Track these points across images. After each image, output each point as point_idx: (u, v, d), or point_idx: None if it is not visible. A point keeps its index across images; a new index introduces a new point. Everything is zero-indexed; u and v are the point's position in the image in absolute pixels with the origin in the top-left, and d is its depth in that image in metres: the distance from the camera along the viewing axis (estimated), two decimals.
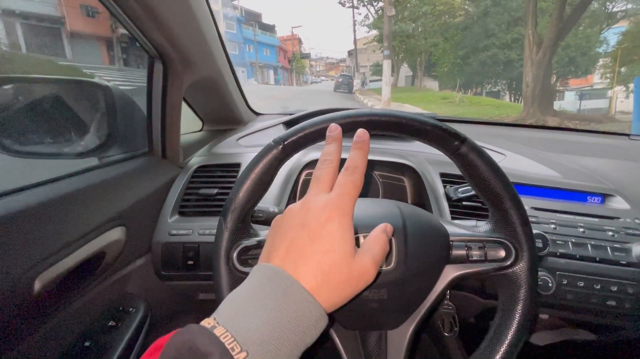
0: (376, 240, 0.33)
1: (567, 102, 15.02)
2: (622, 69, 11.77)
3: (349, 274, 0.28)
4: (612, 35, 12.71)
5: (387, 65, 11.07)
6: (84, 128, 0.73)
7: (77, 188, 0.53)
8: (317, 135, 0.41)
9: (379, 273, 0.40)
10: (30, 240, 0.42)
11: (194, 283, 0.71)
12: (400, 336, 0.45)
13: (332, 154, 0.35)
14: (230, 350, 0.21)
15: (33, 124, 0.67)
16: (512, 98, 16.55)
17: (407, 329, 0.45)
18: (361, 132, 0.35)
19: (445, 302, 0.63)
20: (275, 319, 0.24)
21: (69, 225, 0.48)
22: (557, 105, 12.02)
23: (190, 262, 0.67)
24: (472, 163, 0.40)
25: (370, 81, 22.58)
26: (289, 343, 0.24)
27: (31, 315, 0.43)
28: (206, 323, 0.24)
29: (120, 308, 0.61)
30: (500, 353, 0.39)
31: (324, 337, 0.45)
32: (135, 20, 0.60)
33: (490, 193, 0.41)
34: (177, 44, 0.67)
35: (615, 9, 12.23)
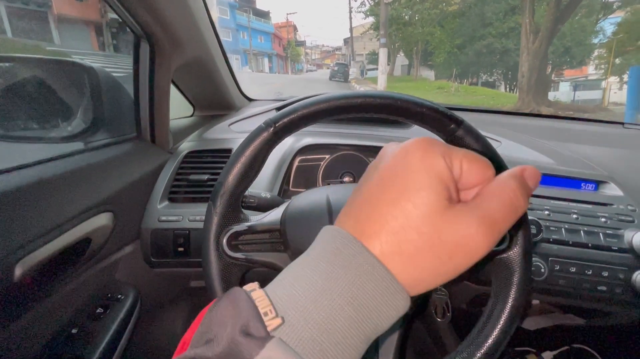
0: (496, 192, 0.20)
1: (562, 92, 15.09)
2: (617, 60, 11.82)
3: (432, 238, 0.19)
4: (607, 26, 12.73)
5: (383, 54, 10.96)
6: (68, 111, 0.70)
7: (61, 172, 0.51)
8: (309, 117, 0.40)
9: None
10: (10, 224, 0.41)
11: (185, 270, 0.70)
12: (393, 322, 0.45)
13: None
14: (262, 314, 0.18)
15: (13, 106, 0.64)
16: (508, 89, 16.57)
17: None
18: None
19: (438, 288, 0.63)
20: (325, 286, 0.19)
21: (52, 210, 0.47)
22: (551, 95, 12.07)
23: (181, 249, 0.66)
24: (469, 146, 0.39)
25: (368, 70, 22.34)
26: (345, 318, 0.18)
27: (12, 302, 0.41)
28: (249, 286, 0.20)
29: (109, 295, 0.60)
30: (492, 337, 0.39)
31: None
32: None
33: None
34: (163, 22, 0.64)
35: None
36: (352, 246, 0.20)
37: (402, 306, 0.20)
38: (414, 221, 0.19)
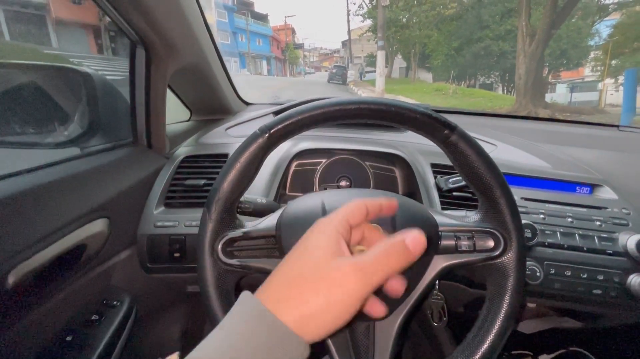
0: (375, 249, 0.26)
1: (559, 94, 15.16)
2: (613, 62, 11.89)
3: (315, 278, 0.24)
4: (604, 28, 12.80)
5: (381, 56, 10.99)
6: (63, 116, 0.70)
7: (57, 178, 0.51)
8: (304, 124, 0.40)
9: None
10: (3, 232, 0.40)
11: (182, 275, 0.69)
12: (389, 327, 0.45)
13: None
14: None
15: (8, 112, 0.64)
16: (505, 91, 16.64)
17: (396, 319, 0.45)
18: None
19: (434, 292, 0.63)
20: (226, 337, 0.23)
21: (46, 217, 0.46)
22: (548, 97, 12.13)
23: (177, 254, 0.65)
24: (462, 152, 0.40)
25: (367, 72, 22.37)
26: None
27: (6, 310, 0.41)
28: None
29: (104, 301, 0.60)
30: (488, 341, 0.39)
31: None
32: (114, 2, 0.57)
33: (480, 182, 0.41)
34: (158, 27, 0.64)
35: (607, 1, 12.29)
36: (250, 303, 0.24)
37: (295, 350, 0.23)
38: (305, 270, 0.25)
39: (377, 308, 0.30)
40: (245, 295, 0.25)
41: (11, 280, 0.40)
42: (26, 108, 0.66)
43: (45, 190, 0.48)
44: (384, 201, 0.32)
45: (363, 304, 0.26)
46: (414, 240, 0.27)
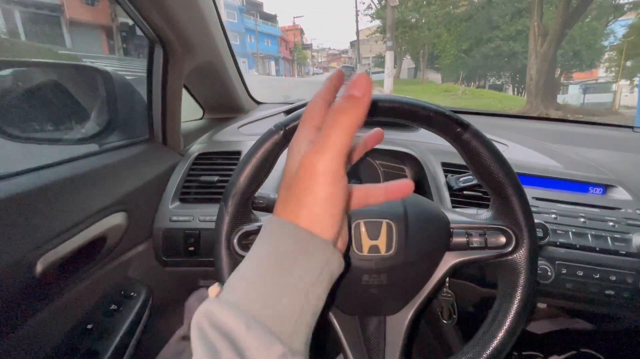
0: (331, 122, 0.23)
1: (571, 95, 14.87)
2: (628, 63, 11.62)
3: (298, 177, 0.23)
4: (618, 28, 12.50)
5: (389, 57, 10.95)
6: (83, 114, 0.72)
7: (79, 172, 0.53)
8: None
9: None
10: (32, 222, 0.42)
11: (195, 269, 0.71)
12: (400, 322, 0.46)
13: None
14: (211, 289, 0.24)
15: (32, 109, 0.67)
16: (516, 92, 16.40)
17: (406, 315, 0.45)
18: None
19: (445, 290, 0.64)
20: (254, 254, 0.24)
21: (70, 209, 0.48)
22: (560, 98, 11.91)
23: (191, 248, 0.67)
24: (475, 150, 0.40)
25: (373, 73, 22.30)
26: (267, 269, 0.22)
27: (34, 297, 0.43)
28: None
29: (122, 292, 0.62)
30: (498, 338, 0.40)
31: (324, 321, 0.45)
32: (135, 3, 0.59)
33: (492, 180, 0.41)
34: (177, 27, 0.66)
35: (622, 1, 12.01)
36: (276, 221, 0.24)
37: (326, 252, 0.23)
38: (286, 178, 0.26)
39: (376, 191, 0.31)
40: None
41: (39, 268, 0.42)
42: (50, 106, 0.69)
43: (69, 183, 0.50)
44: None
45: (347, 188, 0.25)
46: (358, 80, 0.22)
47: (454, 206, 0.68)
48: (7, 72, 0.66)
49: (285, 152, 0.43)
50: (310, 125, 0.28)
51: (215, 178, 0.74)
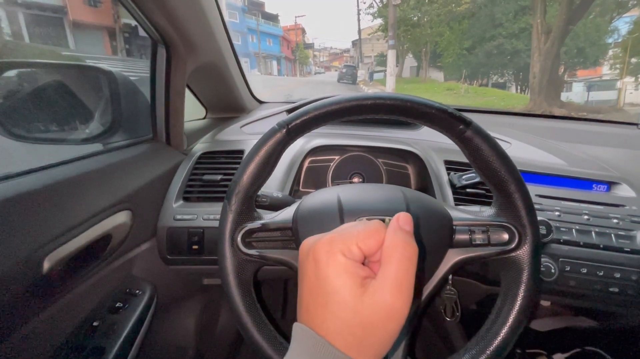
0: (390, 254, 0.24)
1: (575, 93, 14.76)
2: (633, 59, 11.51)
3: (362, 321, 0.23)
4: (622, 25, 12.38)
5: (391, 55, 10.91)
6: (88, 114, 0.73)
7: (84, 171, 0.54)
8: (321, 119, 0.41)
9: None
10: (39, 220, 0.43)
11: (199, 267, 0.72)
12: None
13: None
14: None
15: (37, 110, 0.67)
16: (519, 90, 16.29)
17: (409, 312, 0.45)
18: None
19: (448, 287, 0.64)
20: None
21: (76, 207, 0.49)
22: (564, 96, 11.80)
23: (195, 247, 0.68)
24: (477, 147, 0.40)
25: (375, 72, 22.23)
26: None
27: (40, 294, 0.44)
28: None
29: (127, 290, 0.63)
30: (501, 335, 0.40)
31: None
32: (139, 3, 0.59)
33: (495, 177, 0.41)
34: (180, 27, 0.67)
35: None
36: (316, 342, 0.23)
37: None
38: (344, 314, 0.23)
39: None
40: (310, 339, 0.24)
41: (46, 265, 0.42)
42: (55, 106, 0.69)
43: (75, 182, 0.51)
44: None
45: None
46: (403, 218, 0.27)
47: (456, 204, 0.68)
48: (12, 72, 0.67)
49: (285, 152, 0.44)
50: (356, 249, 0.25)
51: (219, 177, 0.74)
